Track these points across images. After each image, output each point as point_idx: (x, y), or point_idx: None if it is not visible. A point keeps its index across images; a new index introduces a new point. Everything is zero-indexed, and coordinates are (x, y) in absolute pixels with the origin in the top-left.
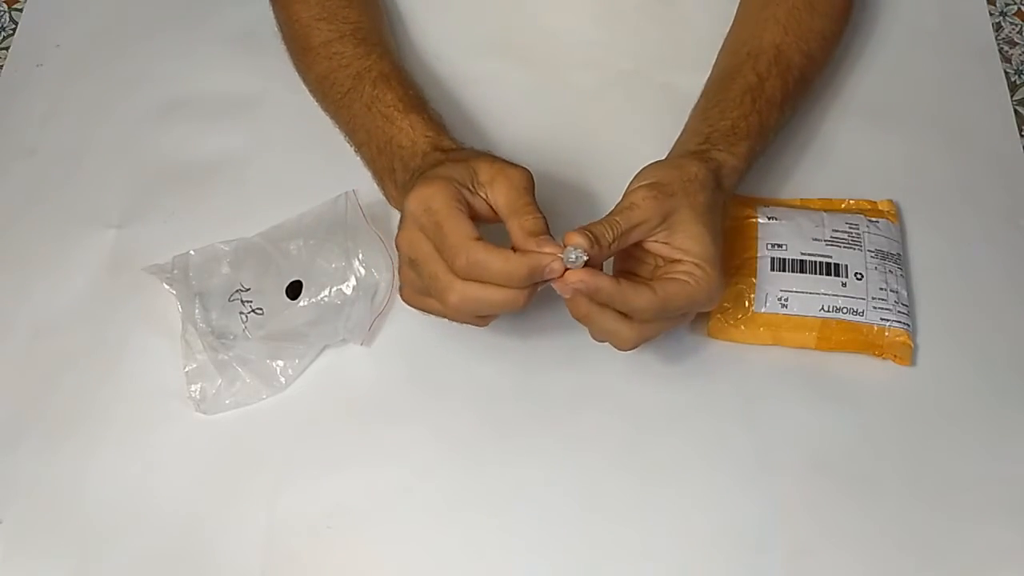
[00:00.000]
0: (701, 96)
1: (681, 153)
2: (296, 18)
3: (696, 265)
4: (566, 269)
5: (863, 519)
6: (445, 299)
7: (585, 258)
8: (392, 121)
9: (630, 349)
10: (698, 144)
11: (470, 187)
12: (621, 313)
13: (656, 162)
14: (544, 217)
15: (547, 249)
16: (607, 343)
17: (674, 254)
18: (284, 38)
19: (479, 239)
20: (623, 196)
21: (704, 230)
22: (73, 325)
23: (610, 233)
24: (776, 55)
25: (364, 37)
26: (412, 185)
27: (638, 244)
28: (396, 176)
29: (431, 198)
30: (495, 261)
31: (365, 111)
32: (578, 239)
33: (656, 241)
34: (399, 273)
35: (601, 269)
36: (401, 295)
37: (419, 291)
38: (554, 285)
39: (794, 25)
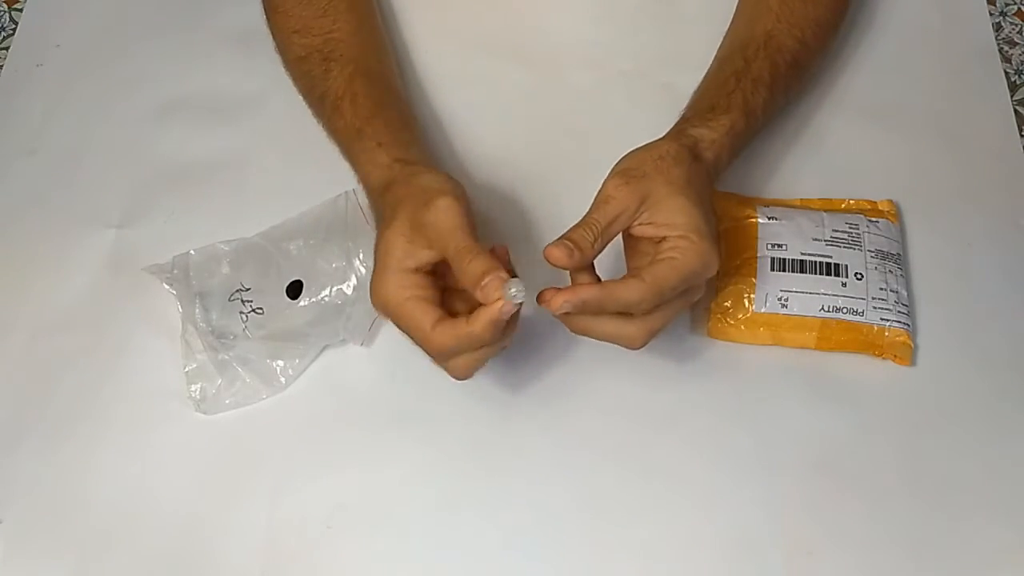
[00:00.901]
0: (694, 91)
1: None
2: (276, 29)
3: (682, 237)
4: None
5: (863, 519)
6: (428, 354)
7: (523, 291)
8: (349, 149)
9: (642, 346)
10: (675, 127)
11: (416, 248)
12: (622, 313)
13: (630, 151)
14: (480, 252)
15: (494, 296)
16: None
17: (660, 231)
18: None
19: (436, 323)
20: (598, 191)
21: (685, 201)
22: (73, 325)
23: (590, 234)
24: (766, 40)
25: (329, 52)
26: (373, 273)
27: (636, 237)
28: (367, 196)
29: (384, 299)
30: (460, 338)
31: (332, 131)
32: (554, 252)
33: (641, 225)
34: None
35: (593, 269)
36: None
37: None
38: (540, 303)
39: (787, 13)
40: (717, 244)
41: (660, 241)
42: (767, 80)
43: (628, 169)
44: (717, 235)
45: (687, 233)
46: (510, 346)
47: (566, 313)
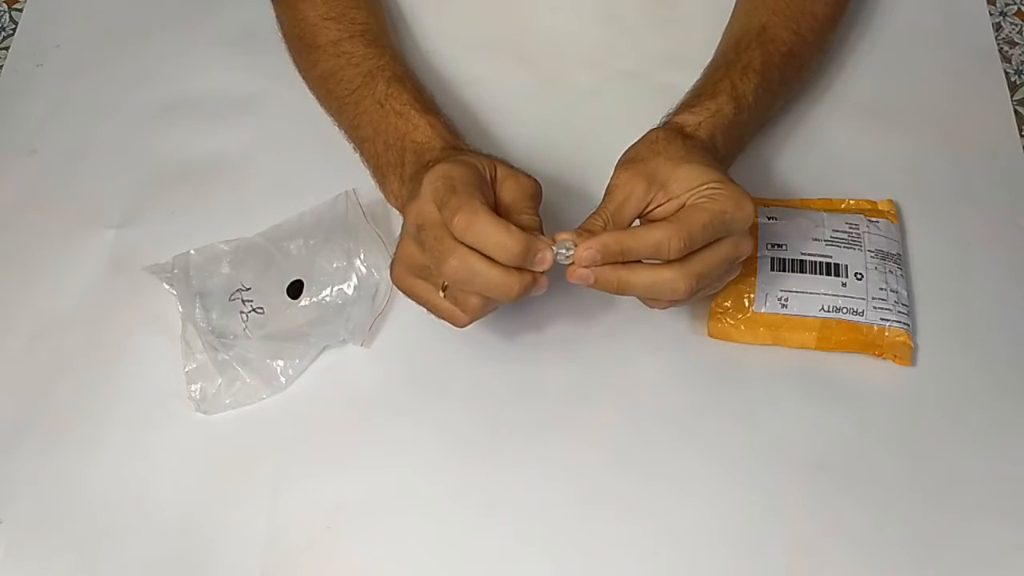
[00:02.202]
0: None
1: None
2: (302, 17)
3: (705, 188)
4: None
5: (863, 518)
6: (443, 262)
7: (571, 253)
8: (408, 119)
9: (688, 294)
10: (665, 118)
11: (488, 180)
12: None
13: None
14: (541, 220)
15: (545, 240)
16: (670, 301)
17: (682, 198)
18: (286, 36)
19: (484, 208)
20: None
21: (693, 165)
22: (73, 325)
23: (600, 220)
24: (759, 32)
25: (375, 38)
26: (432, 165)
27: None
28: (405, 170)
29: (452, 170)
30: (494, 227)
31: (376, 107)
32: (568, 235)
33: (659, 207)
34: (397, 248)
35: None
36: (391, 272)
37: (413, 270)
38: (572, 279)
39: (783, 7)
40: (745, 191)
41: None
42: (757, 67)
43: (626, 159)
44: None
45: (710, 183)
46: (514, 300)
47: (592, 267)
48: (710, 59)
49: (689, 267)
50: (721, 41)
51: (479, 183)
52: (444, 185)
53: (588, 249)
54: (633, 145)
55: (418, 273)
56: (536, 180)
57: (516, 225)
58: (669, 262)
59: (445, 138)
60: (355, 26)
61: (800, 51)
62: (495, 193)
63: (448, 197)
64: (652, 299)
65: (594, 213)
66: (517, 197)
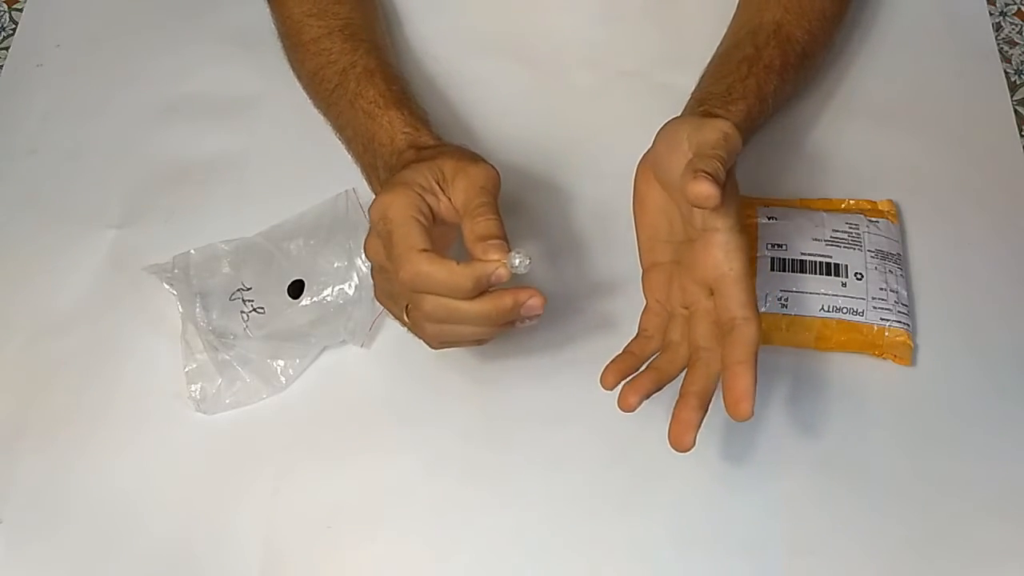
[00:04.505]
0: (700, 77)
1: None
2: (288, 14)
3: (724, 245)
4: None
5: (863, 519)
6: (409, 313)
7: (529, 262)
8: (373, 118)
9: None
10: (693, 109)
11: (437, 188)
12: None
13: (670, 122)
14: (498, 219)
15: (492, 256)
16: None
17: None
18: (278, 35)
19: (425, 250)
20: (703, 128)
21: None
22: (73, 325)
23: (720, 160)
24: (775, 30)
25: (352, 33)
26: (393, 174)
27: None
28: (379, 174)
29: (388, 206)
30: (439, 272)
31: (349, 107)
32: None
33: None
34: (371, 275)
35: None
36: (375, 295)
37: (388, 296)
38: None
39: (794, 5)
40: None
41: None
42: (778, 68)
43: (652, 165)
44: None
45: (729, 238)
46: (487, 341)
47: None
48: (723, 43)
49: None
50: (733, 27)
51: (418, 208)
52: (384, 229)
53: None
54: (658, 147)
55: (393, 299)
56: (488, 166)
57: (472, 232)
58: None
59: (407, 136)
60: (336, 21)
61: (812, 51)
62: (450, 196)
63: (389, 246)
64: None
65: (711, 154)
66: (469, 194)
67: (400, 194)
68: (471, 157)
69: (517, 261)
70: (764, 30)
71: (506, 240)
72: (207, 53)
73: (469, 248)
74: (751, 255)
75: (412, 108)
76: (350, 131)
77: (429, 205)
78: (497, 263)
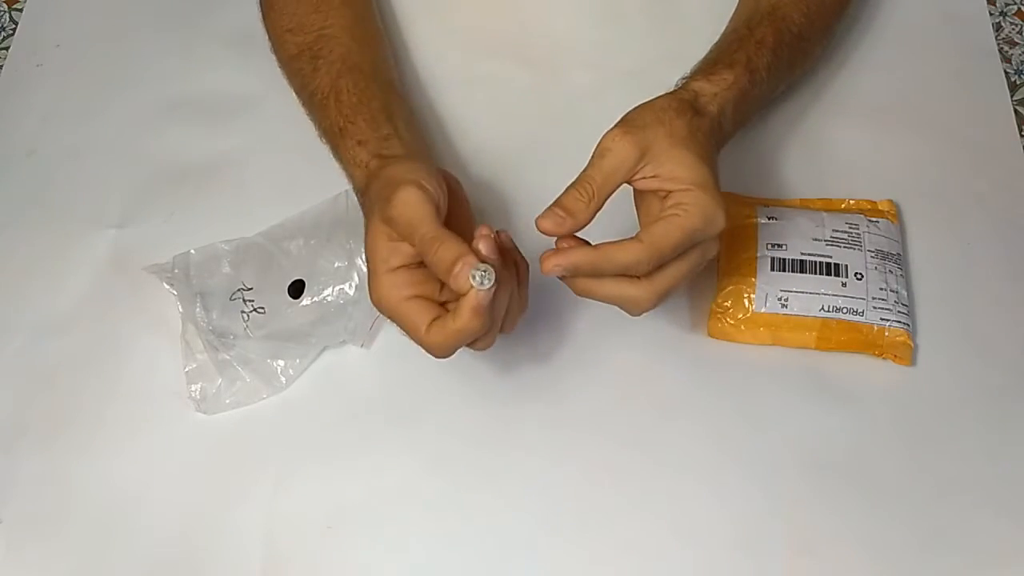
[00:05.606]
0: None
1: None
2: (272, 29)
3: (686, 191)
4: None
5: (863, 519)
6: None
7: (493, 274)
8: (335, 149)
9: (650, 308)
10: (677, 85)
11: (398, 243)
12: (624, 276)
13: (631, 108)
14: (442, 236)
15: (464, 285)
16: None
17: (665, 185)
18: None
19: (430, 325)
20: (596, 145)
21: (687, 153)
22: (73, 325)
23: (584, 195)
24: (771, 11)
25: (318, 50)
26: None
27: (641, 192)
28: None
29: (379, 304)
30: (452, 335)
31: (321, 133)
32: (543, 222)
33: (644, 179)
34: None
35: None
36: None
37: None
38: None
39: None
40: (722, 199)
41: (665, 196)
42: (771, 44)
43: (628, 120)
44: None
45: (691, 187)
46: (490, 345)
47: (560, 275)
48: (722, 31)
49: (656, 284)
50: (731, 20)
51: (400, 286)
52: (388, 316)
53: (557, 266)
54: (641, 107)
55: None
56: (408, 192)
57: (436, 268)
58: (636, 278)
59: (362, 169)
60: (308, 36)
61: (809, 34)
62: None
63: (408, 334)
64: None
65: (577, 184)
66: (410, 236)
67: (380, 284)
68: (386, 195)
69: (478, 277)
70: (759, 12)
71: (460, 245)
72: (207, 53)
73: (443, 280)
74: (718, 247)
75: (363, 124)
76: (330, 147)
77: (405, 264)
78: (473, 291)
